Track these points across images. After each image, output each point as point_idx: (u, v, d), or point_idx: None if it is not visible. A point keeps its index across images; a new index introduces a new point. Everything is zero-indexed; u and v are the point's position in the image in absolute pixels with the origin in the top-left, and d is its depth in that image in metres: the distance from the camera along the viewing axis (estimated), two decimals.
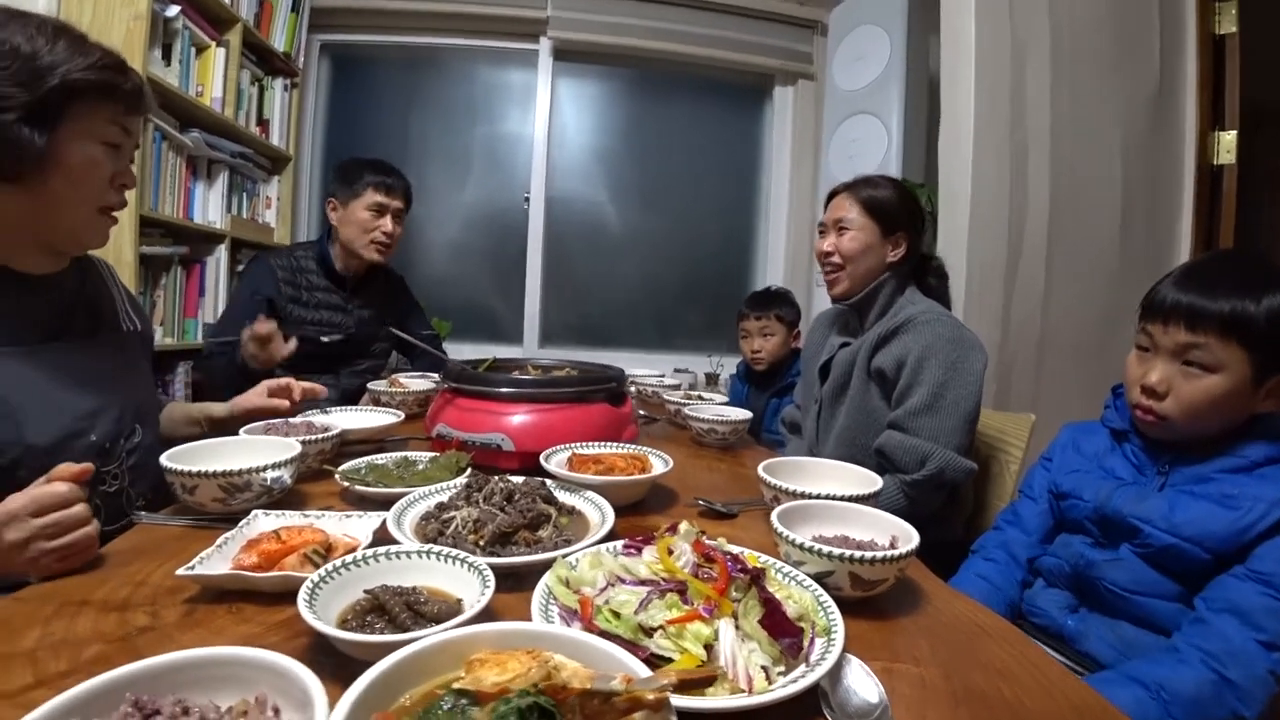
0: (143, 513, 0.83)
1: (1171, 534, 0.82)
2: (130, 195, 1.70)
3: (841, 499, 0.81)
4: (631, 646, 0.47)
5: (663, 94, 3.25)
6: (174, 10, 1.90)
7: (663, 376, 2.16)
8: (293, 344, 1.48)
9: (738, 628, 0.50)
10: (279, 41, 2.53)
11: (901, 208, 1.39)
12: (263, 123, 2.53)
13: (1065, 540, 0.99)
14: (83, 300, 0.97)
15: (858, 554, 0.62)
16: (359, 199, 1.78)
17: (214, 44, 2.14)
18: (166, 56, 1.94)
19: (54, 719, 0.34)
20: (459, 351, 2.63)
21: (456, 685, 0.36)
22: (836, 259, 1.38)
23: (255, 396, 1.18)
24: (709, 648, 0.48)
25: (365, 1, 2.88)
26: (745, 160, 3.31)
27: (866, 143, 2.63)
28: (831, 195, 1.45)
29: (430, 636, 0.41)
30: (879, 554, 0.62)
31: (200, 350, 2.14)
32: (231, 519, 0.73)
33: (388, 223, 1.79)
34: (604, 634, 0.49)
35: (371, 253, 1.80)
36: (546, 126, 3.11)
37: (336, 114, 3.10)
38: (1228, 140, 2.10)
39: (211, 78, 2.13)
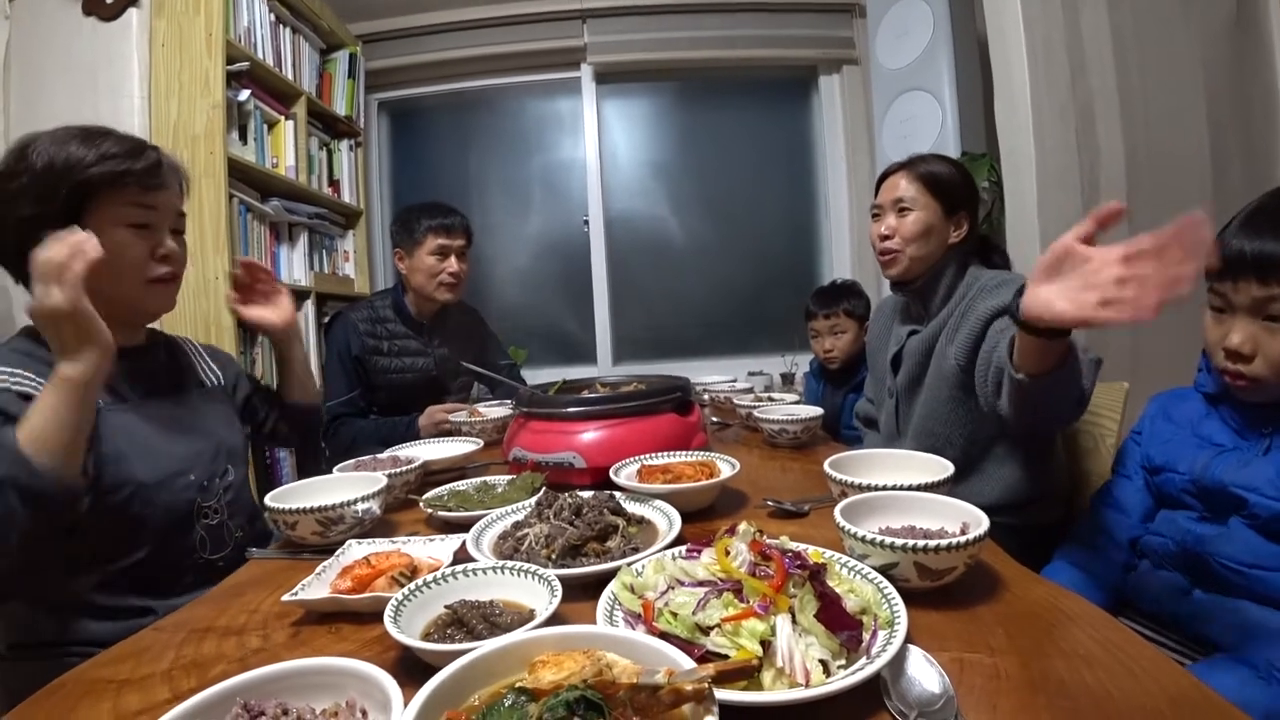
0: (254, 549, 0.92)
1: None
2: (224, 264, 1.91)
3: (909, 489, 0.79)
4: (688, 645, 0.48)
5: (708, 101, 3.27)
6: (245, 94, 2.09)
7: (734, 381, 2.15)
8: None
9: (795, 623, 0.50)
10: (340, 106, 2.74)
11: (962, 185, 1.32)
12: (334, 183, 2.73)
13: (1168, 517, 0.92)
14: (165, 365, 1.09)
15: (920, 543, 0.61)
16: (422, 246, 1.88)
17: (283, 118, 2.34)
18: (243, 137, 2.14)
19: None
20: (537, 376, 2.72)
21: (518, 685, 0.39)
22: (895, 242, 1.31)
23: None
24: (766, 644, 0.48)
25: (414, 58, 3.07)
26: (799, 155, 3.27)
27: (920, 120, 2.54)
28: (884, 176, 1.37)
29: (493, 642, 0.44)
30: (943, 542, 0.61)
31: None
32: (329, 550, 0.80)
33: (453, 263, 1.89)
34: (663, 635, 0.51)
35: (444, 293, 1.90)
36: (597, 149, 3.20)
37: (399, 165, 3.32)
38: None
39: (284, 149, 2.33)
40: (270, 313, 1.25)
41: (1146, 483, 0.97)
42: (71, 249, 0.76)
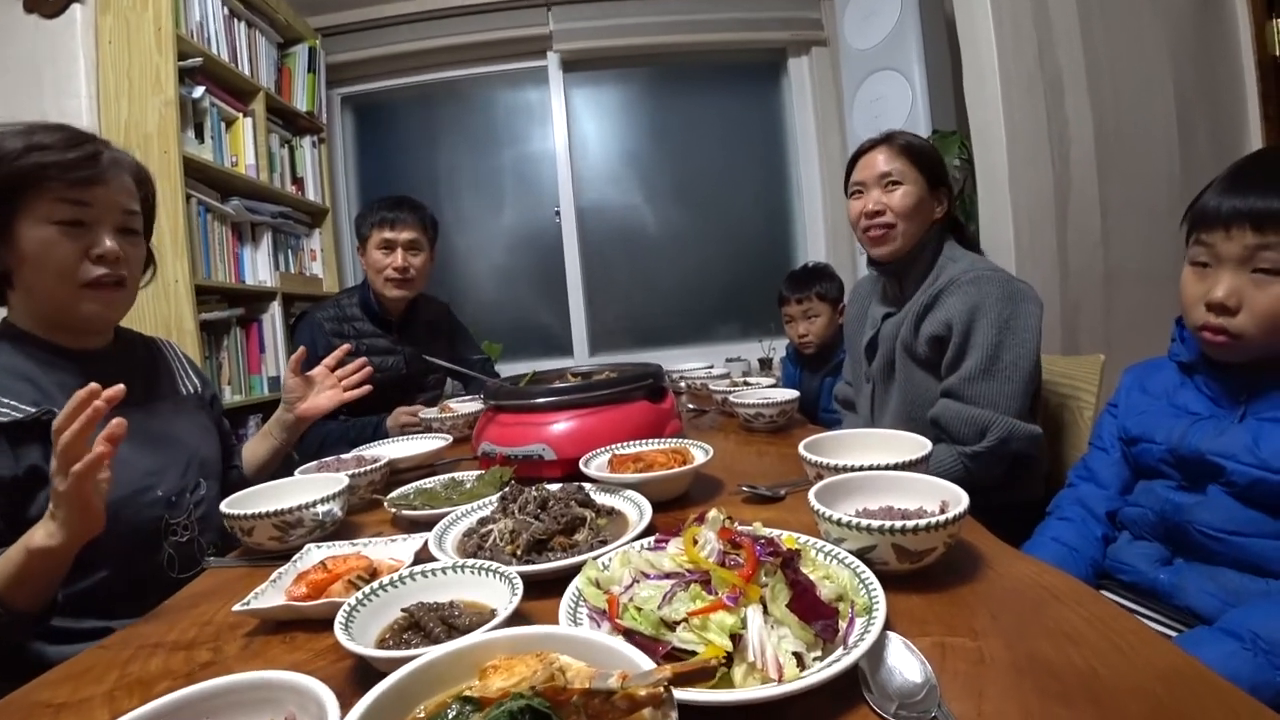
0: (211, 558, 0.88)
1: (1260, 467, 0.74)
2: (183, 267, 1.85)
3: (885, 468, 0.77)
4: (653, 642, 0.46)
5: (677, 87, 3.23)
6: (199, 90, 2.02)
7: (710, 368, 2.13)
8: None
9: (767, 614, 0.48)
10: (301, 102, 2.66)
11: (939, 161, 1.31)
12: (297, 180, 2.66)
13: (1146, 487, 0.91)
14: (139, 370, 1.03)
15: (898, 524, 0.58)
16: (369, 241, 1.85)
17: (241, 115, 2.26)
18: (199, 135, 2.06)
19: None
20: (513, 370, 2.66)
21: (466, 693, 0.36)
22: (889, 217, 1.27)
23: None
24: (736, 638, 0.46)
25: (376, 50, 2.99)
26: (770, 138, 3.25)
27: (890, 100, 2.52)
28: (859, 153, 1.34)
29: (440, 649, 0.41)
30: (921, 522, 0.58)
31: (267, 404, 2.27)
32: (290, 555, 0.76)
33: (397, 257, 1.83)
34: (628, 632, 0.48)
35: (390, 289, 1.85)
36: (566, 139, 3.15)
37: (365, 161, 3.24)
38: None
39: (243, 147, 2.26)
40: (324, 398, 1.24)
41: (1124, 455, 0.96)
42: (87, 465, 0.68)
